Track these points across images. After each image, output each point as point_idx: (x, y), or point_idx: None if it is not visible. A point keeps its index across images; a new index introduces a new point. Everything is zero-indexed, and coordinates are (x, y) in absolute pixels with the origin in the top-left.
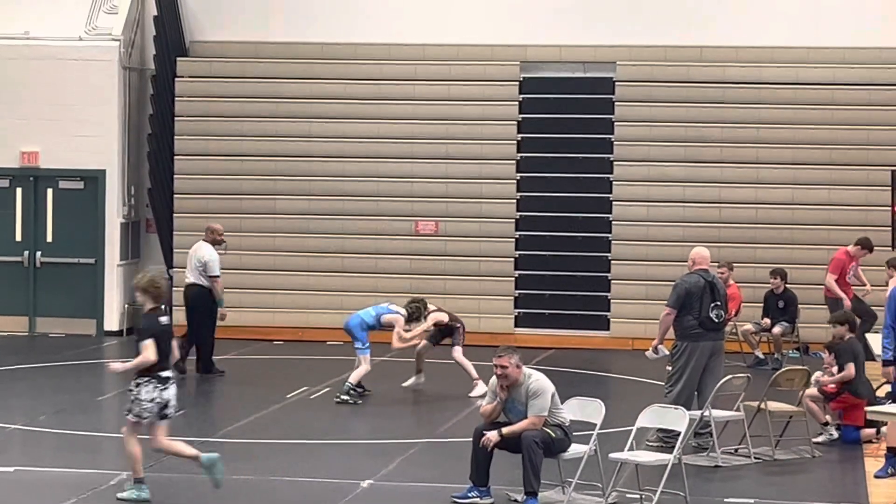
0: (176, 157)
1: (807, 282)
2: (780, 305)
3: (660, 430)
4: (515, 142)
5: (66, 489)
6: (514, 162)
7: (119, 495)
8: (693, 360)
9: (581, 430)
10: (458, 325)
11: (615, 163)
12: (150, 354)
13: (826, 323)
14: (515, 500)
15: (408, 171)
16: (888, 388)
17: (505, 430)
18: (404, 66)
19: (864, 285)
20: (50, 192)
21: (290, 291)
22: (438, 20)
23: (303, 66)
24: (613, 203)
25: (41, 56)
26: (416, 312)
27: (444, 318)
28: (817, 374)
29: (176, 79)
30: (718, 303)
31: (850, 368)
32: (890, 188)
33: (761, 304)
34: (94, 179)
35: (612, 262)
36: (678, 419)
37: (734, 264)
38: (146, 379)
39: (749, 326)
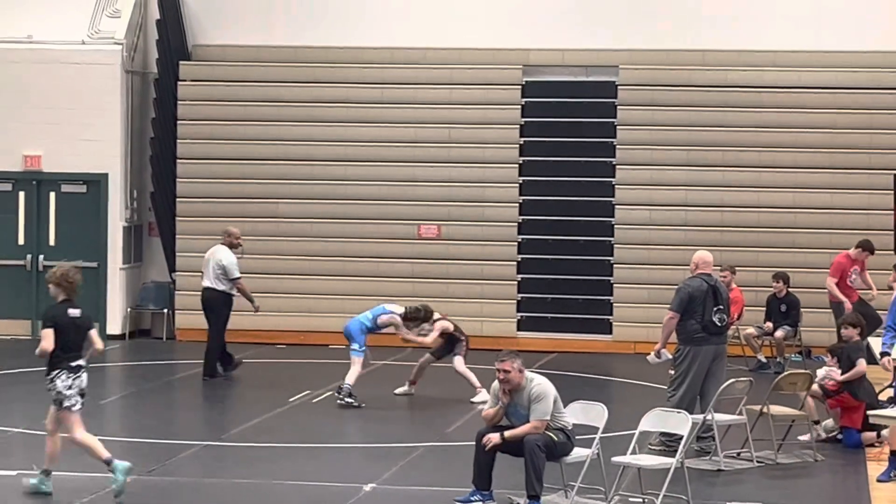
0: (178, 161)
1: (809, 285)
2: (783, 309)
3: (662, 433)
4: (518, 145)
5: (68, 493)
6: (516, 166)
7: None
8: (696, 364)
9: (583, 433)
10: (463, 338)
11: (617, 166)
12: (46, 343)
13: (832, 326)
14: None
15: (410, 175)
16: (891, 392)
17: (507, 433)
18: (406, 69)
19: (871, 289)
20: (52, 195)
21: (292, 295)
22: (440, 24)
23: (305, 70)
24: (616, 207)
25: (44, 60)
26: (414, 313)
27: (450, 326)
28: (822, 371)
29: (178, 82)
30: (721, 306)
31: (862, 364)
32: (892, 192)
33: (764, 308)
34: (96, 183)
35: (615, 265)
36: (681, 423)
37: (737, 268)
38: (57, 371)
39: (751, 330)
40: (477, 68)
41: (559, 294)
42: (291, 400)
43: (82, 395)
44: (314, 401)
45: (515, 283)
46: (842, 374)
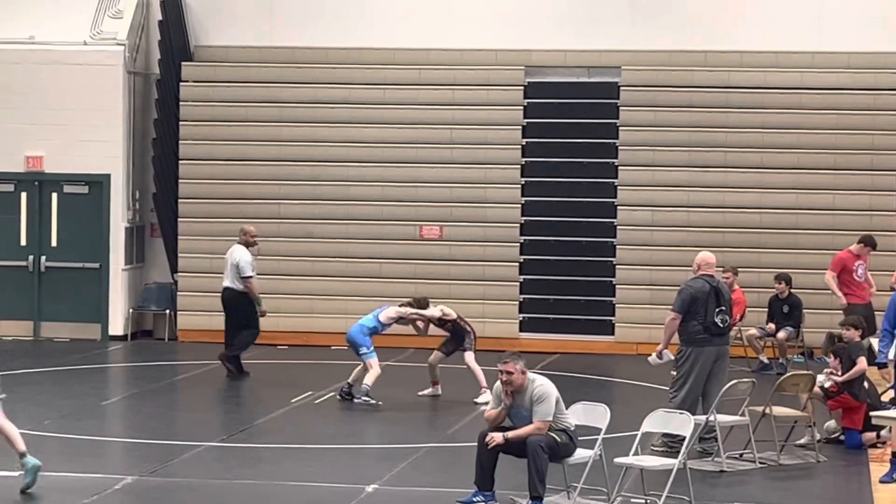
0: (180, 162)
1: (811, 286)
2: (785, 310)
3: (665, 434)
4: (520, 146)
5: (71, 493)
6: (518, 166)
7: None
8: (698, 365)
9: (586, 434)
10: (469, 329)
11: (620, 167)
12: None
13: (835, 327)
14: None
15: (412, 176)
16: (892, 393)
17: (510, 434)
18: (408, 70)
19: (870, 287)
20: (55, 196)
21: (294, 296)
22: (442, 25)
23: (307, 71)
24: (618, 208)
25: (46, 60)
26: (417, 301)
27: (452, 313)
28: (822, 377)
29: (180, 83)
30: (723, 308)
31: (862, 362)
32: (894, 193)
33: (766, 309)
34: (98, 184)
35: (617, 266)
36: (683, 424)
37: (739, 269)
38: None
39: (754, 331)
40: (479, 69)
41: (561, 295)
42: (293, 401)
43: None
44: (316, 402)
45: (517, 284)
46: (843, 373)
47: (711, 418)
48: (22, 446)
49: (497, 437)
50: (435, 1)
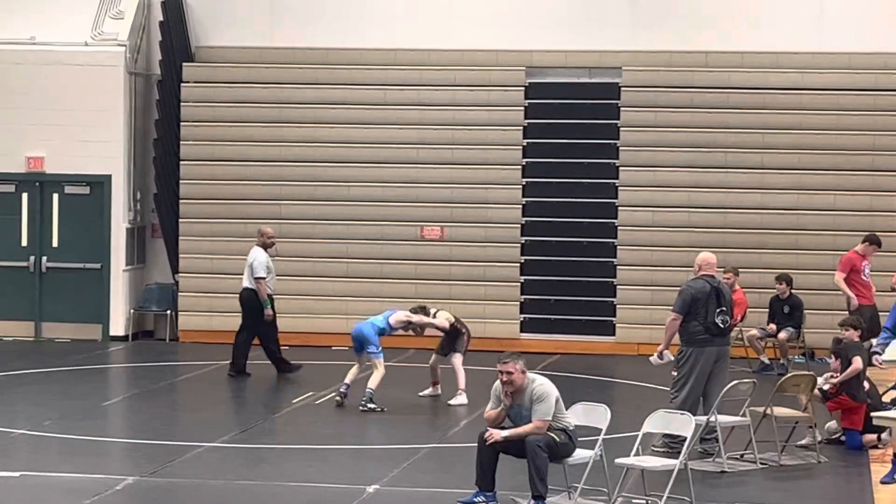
0: (181, 163)
1: (812, 287)
2: (786, 311)
3: (665, 435)
4: (521, 147)
5: (71, 494)
6: (519, 167)
7: None
8: (699, 366)
9: (587, 435)
10: (464, 331)
11: (620, 168)
12: None
13: (836, 328)
14: None
15: (413, 177)
16: (894, 393)
17: (509, 432)
18: (409, 71)
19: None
20: (55, 197)
21: (295, 296)
22: (443, 25)
23: (308, 71)
24: (619, 208)
25: (47, 61)
26: (421, 308)
27: (451, 318)
28: (822, 380)
29: (181, 84)
30: (724, 308)
31: (858, 361)
32: None
33: (767, 310)
34: (99, 184)
35: (618, 267)
36: (684, 424)
37: (740, 270)
38: None
39: (755, 332)
40: (480, 70)
41: (562, 295)
42: (294, 401)
43: None
44: (317, 402)
45: (518, 284)
46: (842, 371)
47: (712, 419)
48: None
49: (496, 433)
50: (435, 2)
